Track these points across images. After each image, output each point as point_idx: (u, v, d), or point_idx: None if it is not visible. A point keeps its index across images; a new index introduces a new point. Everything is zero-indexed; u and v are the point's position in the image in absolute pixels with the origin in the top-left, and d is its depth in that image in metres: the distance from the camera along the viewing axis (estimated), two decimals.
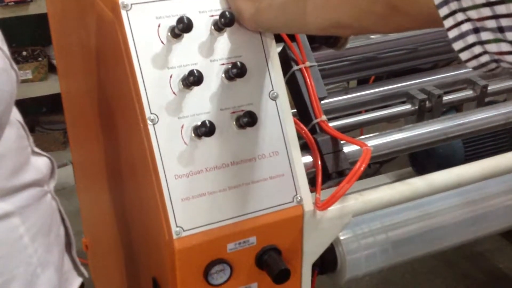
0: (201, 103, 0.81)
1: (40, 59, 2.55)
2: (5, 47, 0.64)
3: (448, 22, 0.54)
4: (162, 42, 0.80)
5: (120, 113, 0.91)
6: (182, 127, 0.80)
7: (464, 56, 0.54)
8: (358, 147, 0.97)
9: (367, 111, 1.22)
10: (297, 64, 0.98)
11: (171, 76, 0.80)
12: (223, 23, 0.80)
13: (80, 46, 1.12)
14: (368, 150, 0.85)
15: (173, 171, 0.79)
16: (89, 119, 1.18)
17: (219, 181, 0.81)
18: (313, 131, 0.96)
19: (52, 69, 2.51)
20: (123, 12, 0.78)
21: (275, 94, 0.86)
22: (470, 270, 2.08)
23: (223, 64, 0.83)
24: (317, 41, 1.10)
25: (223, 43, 0.83)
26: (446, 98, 1.17)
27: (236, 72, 0.80)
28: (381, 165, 2.11)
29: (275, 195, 0.84)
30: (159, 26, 0.79)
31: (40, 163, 0.74)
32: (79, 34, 1.08)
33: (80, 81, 1.21)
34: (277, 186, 0.84)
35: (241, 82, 0.83)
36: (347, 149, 0.96)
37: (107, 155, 1.10)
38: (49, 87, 2.45)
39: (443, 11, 0.54)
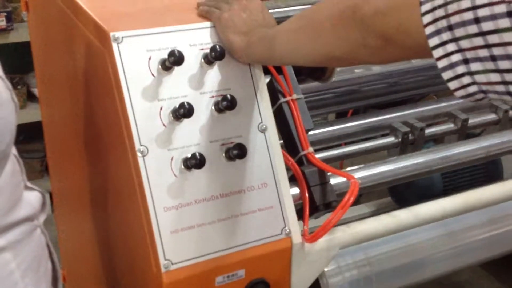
0: (191, 135, 0.81)
1: (19, 87, 2.52)
2: (5, 78, 0.64)
3: (437, 52, 0.55)
4: (152, 75, 0.80)
5: (108, 143, 0.90)
6: (172, 159, 0.80)
7: (452, 85, 0.56)
8: (345, 179, 0.98)
9: (348, 143, 1.23)
10: (284, 97, 0.99)
11: (161, 108, 0.80)
12: (214, 56, 0.81)
13: (65, 75, 1.11)
14: (356, 183, 0.86)
15: (162, 203, 0.78)
16: (72, 147, 1.16)
17: (208, 213, 0.81)
18: (300, 163, 0.96)
19: (30, 97, 2.48)
20: (114, 45, 0.78)
21: (264, 126, 0.86)
22: None
23: (212, 96, 0.83)
24: (302, 74, 1.11)
25: (213, 76, 0.84)
26: (428, 131, 1.19)
27: (226, 104, 0.81)
28: (360, 194, 2.13)
29: (263, 227, 0.84)
30: (149, 58, 0.80)
31: (32, 198, 0.73)
32: (65, 63, 1.08)
33: (64, 109, 1.20)
34: (265, 218, 0.84)
35: (231, 115, 0.84)
36: (333, 181, 0.96)
37: (91, 183, 1.09)
38: (27, 115, 2.42)
39: (433, 41, 0.55)
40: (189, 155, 0.80)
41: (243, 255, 0.82)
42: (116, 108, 0.80)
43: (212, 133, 0.83)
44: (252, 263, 0.83)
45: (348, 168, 1.03)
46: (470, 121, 1.23)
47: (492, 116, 1.27)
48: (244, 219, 0.83)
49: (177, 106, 0.79)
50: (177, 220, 0.79)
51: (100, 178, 1.01)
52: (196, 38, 0.83)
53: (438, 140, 1.41)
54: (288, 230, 0.85)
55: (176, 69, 0.81)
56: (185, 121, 0.80)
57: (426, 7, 0.56)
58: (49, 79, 1.32)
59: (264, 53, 0.80)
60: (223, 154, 0.83)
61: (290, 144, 0.98)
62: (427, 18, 0.56)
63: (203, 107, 0.83)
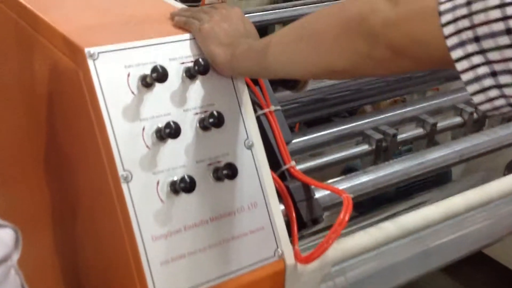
0: (176, 156, 0.76)
1: None
2: None
3: (461, 65, 0.53)
4: (132, 93, 0.73)
5: (80, 168, 0.83)
6: (158, 183, 0.74)
7: (477, 99, 0.53)
8: (328, 192, 0.95)
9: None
10: (262, 108, 0.94)
11: (143, 129, 0.74)
12: (198, 71, 0.76)
13: (17, 89, 1.02)
14: (349, 198, 0.82)
15: (150, 232, 0.72)
16: (22, 167, 1.07)
17: (199, 239, 0.75)
18: (282, 177, 0.92)
19: None
20: (90, 62, 0.71)
21: (251, 142, 0.82)
22: None
23: (196, 113, 0.78)
24: (274, 83, 1.07)
25: (196, 91, 0.78)
26: (399, 136, 1.18)
27: (213, 122, 0.76)
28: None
29: (256, 251, 0.79)
30: (128, 75, 0.73)
31: (5, 236, 0.65)
32: (20, 77, 0.99)
33: (11, 127, 1.10)
34: (257, 240, 0.80)
35: (216, 132, 0.78)
36: (317, 194, 0.93)
37: (51, 207, 1.00)
38: None
39: (456, 54, 0.53)
40: (175, 178, 0.74)
41: (236, 282, 0.77)
42: (93, 131, 0.73)
43: (198, 152, 0.77)
44: None
45: (330, 180, 1.00)
46: (438, 125, 1.23)
47: (458, 119, 1.27)
48: (236, 243, 0.78)
49: (161, 126, 0.74)
50: (166, 250, 0.73)
51: (65, 204, 0.92)
52: (176, 52, 0.78)
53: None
54: (280, 252, 0.81)
55: (158, 85, 0.74)
56: (170, 141, 0.74)
57: (446, 17, 0.53)
58: None
59: (252, 66, 0.75)
60: (211, 174, 0.77)
61: (270, 158, 0.94)
62: (448, 29, 0.53)
63: (187, 125, 0.77)
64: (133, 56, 0.74)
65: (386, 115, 1.25)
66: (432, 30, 0.54)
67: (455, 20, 0.52)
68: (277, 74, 0.76)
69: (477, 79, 0.52)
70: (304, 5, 1.47)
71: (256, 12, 1.39)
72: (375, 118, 1.23)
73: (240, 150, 0.80)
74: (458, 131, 1.28)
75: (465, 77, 0.53)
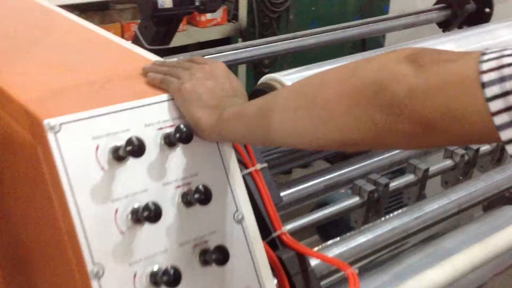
0: (156, 241, 0.64)
1: None
2: None
3: None
4: (102, 169, 0.62)
5: (38, 257, 0.70)
6: (135, 276, 0.62)
7: None
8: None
9: None
10: (246, 167, 0.84)
11: (116, 211, 0.62)
12: (179, 138, 0.65)
13: None
14: (354, 274, 0.72)
15: None
16: None
17: None
18: (273, 244, 0.81)
19: None
20: (51, 136, 0.59)
21: (240, 216, 0.71)
22: None
23: (178, 186, 0.67)
24: None
25: (176, 161, 0.67)
26: (392, 185, 1.09)
27: (199, 198, 0.65)
28: None
29: None
30: (97, 148, 0.62)
31: None
32: None
33: None
34: None
35: (201, 207, 0.67)
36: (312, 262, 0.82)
37: None
38: None
39: (508, 134, 0.44)
40: (156, 268, 0.62)
41: None
42: (55, 217, 0.61)
43: (181, 233, 0.66)
44: None
45: (324, 244, 0.90)
46: (430, 170, 1.15)
47: (448, 162, 1.19)
48: None
49: (137, 206, 0.62)
50: None
51: None
52: (152, 116, 0.66)
53: None
54: None
55: (132, 158, 0.63)
56: (148, 223, 0.63)
57: (493, 90, 0.44)
58: None
59: (244, 133, 0.65)
60: (197, 258, 0.66)
61: (258, 223, 0.83)
62: (496, 105, 0.44)
63: (168, 202, 0.65)
64: (102, 125, 0.62)
65: (373, 160, 1.16)
66: (473, 103, 0.45)
67: (504, 94, 0.44)
68: (276, 144, 0.66)
69: None
70: (278, 41, 1.39)
71: (228, 51, 1.29)
72: (362, 164, 1.14)
73: (230, 226, 0.70)
74: (449, 174, 1.20)
75: None
